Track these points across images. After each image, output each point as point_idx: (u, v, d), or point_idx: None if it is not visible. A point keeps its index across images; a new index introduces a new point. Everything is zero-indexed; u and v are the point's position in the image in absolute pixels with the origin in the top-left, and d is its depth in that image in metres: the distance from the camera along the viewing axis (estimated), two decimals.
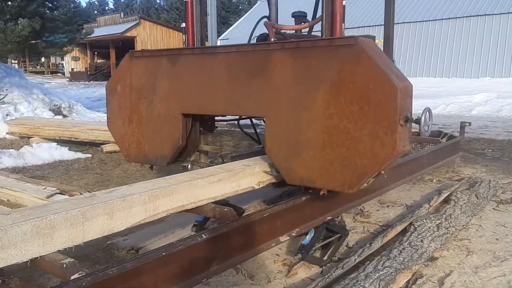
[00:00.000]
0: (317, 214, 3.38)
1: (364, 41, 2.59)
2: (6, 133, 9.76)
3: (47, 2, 11.07)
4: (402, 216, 4.68)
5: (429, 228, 3.95)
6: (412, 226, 4.02)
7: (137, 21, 36.88)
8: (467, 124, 6.50)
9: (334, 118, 2.70)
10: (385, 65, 2.54)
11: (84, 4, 58.98)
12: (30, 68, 42.93)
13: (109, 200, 2.33)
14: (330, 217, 3.51)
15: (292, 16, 3.98)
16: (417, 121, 2.60)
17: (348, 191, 2.70)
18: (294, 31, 3.72)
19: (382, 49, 3.74)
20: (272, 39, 3.38)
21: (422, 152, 5.74)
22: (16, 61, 42.13)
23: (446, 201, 4.92)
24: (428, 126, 2.69)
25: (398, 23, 27.40)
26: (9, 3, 9.32)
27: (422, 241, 3.66)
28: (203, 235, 2.49)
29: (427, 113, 2.63)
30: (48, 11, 10.73)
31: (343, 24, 3.05)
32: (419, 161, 5.40)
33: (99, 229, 2.26)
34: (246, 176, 3.19)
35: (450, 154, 6.19)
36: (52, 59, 44.26)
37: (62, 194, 5.19)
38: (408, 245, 3.56)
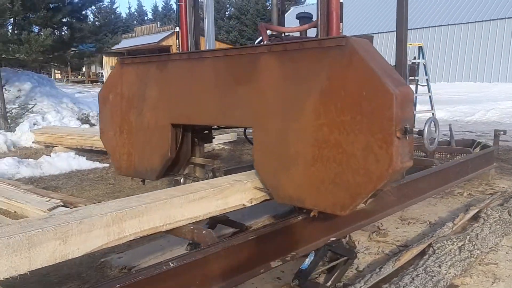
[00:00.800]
0: (319, 234, 3.03)
1: (356, 41, 2.24)
2: (32, 142, 9.86)
3: (75, 13, 11.17)
4: (423, 235, 4.26)
5: (450, 250, 3.53)
6: (431, 248, 3.61)
7: (173, 30, 37.34)
8: (502, 132, 5.96)
9: (324, 130, 2.36)
10: (380, 68, 2.19)
11: (124, 15, 60.42)
12: (72, 77, 44.22)
13: (63, 223, 2.08)
14: (334, 238, 3.15)
15: (297, 18, 3.66)
16: (420, 133, 2.22)
17: (340, 213, 2.35)
18: (292, 34, 3.40)
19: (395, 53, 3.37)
20: (265, 42, 3.08)
21: (450, 163, 5.26)
22: (59, 71, 43.54)
23: (475, 218, 4.46)
24: (435, 139, 2.31)
25: (436, 26, 26.50)
26: (35, 14, 9.43)
27: (440, 266, 3.25)
28: (170, 263, 2.20)
29: (432, 123, 2.25)
30: (75, 21, 10.81)
31: (340, 23, 2.71)
32: (446, 173, 4.94)
33: (49, 256, 2.01)
34: (235, 193, 2.89)
35: (482, 166, 5.67)
36: (93, 69, 45.49)
37: (65, 206, 5.04)
38: (423, 271, 3.16)
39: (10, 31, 9.50)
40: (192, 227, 2.63)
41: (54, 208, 4.95)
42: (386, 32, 26.37)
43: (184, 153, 3.38)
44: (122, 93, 3.49)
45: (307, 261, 2.97)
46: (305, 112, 2.45)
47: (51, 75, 35.55)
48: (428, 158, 5.12)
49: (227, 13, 53.12)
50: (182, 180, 3.43)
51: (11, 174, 6.86)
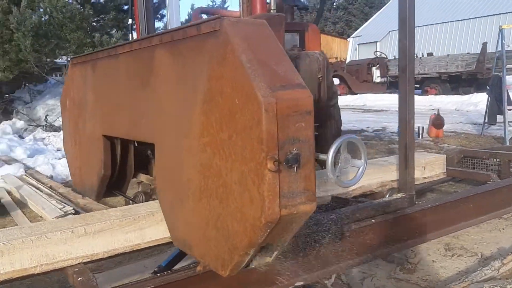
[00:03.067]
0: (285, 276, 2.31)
1: (233, 24, 1.52)
2: None
3: None
4: (464, 273, 3.25)
5: None
6: None
7: None
8: None
9: (208, 151, 1.67)
10: (260, 63, 1.44)
11: None
12: None
13: None
14: (301, 283, 2.40)
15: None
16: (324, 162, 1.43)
17: (221, 273, 1.64)
18: None
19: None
20: None
21: None
22: None
23: None
24: (359, 169, 1.49)
25: None
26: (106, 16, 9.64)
27: None
28: None
29: (342, 145, 1.44)
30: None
31: None
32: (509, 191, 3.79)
33: None
34: (156, 223, 2.30)
35: None
36: None
37: (77, 213, 4.83)
38: None
39: (84, 34, 9.81)
40: (76, 270, 2.10)
41: (62, 215, 4.79)
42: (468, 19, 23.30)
43: (129, 169, 2.86)
44: (73, 98, 3.08)
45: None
46: (193, 126, 1.77)
47: None
48: (481, 172, 3.98)
49: (334, 3, 51.54)
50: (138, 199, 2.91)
51: None
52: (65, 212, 4.96)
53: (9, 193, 6.08)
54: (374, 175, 3.25)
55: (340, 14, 48.18)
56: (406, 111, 2.62)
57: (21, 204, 5.56)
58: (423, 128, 8.65)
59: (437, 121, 8.57)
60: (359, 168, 1.53)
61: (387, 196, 2.79)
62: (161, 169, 2.06)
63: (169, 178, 1.99)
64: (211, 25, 1.58)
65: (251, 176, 1.43)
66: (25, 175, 6.66)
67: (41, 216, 4.95)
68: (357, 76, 17.59)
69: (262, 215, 1.40)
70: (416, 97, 12.35)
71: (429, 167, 3.56)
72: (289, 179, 1.42)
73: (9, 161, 7.81)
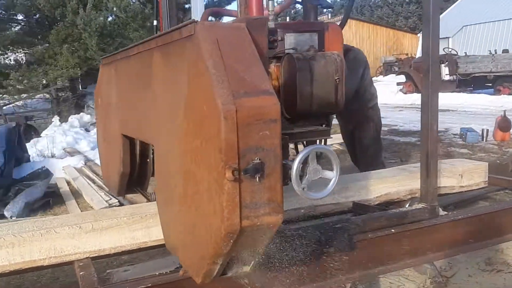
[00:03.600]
0: None
1: (206, 27, 1.49)
2: None
3: None
4: None
5: None
6: None
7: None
8: None
9: (188, 157, 1.66)
10: (227, 69, 1.40)
11: (300, 8, 61.40)
12: None
13: None
14: None
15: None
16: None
17: (196, 279, 1.62)
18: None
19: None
20: None
21: None
22: None
23: None
24: (330, 181, 1.40)
25: None
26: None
27: None
28: None
29: (311, 155, 1.36)
30: None
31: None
32: None
33: None
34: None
35: None
36: None
37: (121, 205, 5.02)
38: None
39: (146, 33, 10.19)
40: (80, 264, 2.18)
41: (107, 207, 4.99)
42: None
43: (148, 167, 2.92)
44: (102, 97, 3.20)
45: None
46: (178, 131, 1.77)
47: None
48: None
49: None
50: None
51: None
52: (110, 204, 5.20)
53: (68, 183, 6.47)
54: (403, 181, 3.08)
55: (412, 8, 46.27)
56: (428, 115, 2.44)
57: (76, 195, 5.90)
58: (487, 130, 8.10)
59: (504, 124, 7.96)
60: (330, 180, 1.45)
61: (407, 206, 2.63)
62: (157, 172, 2.08)
63: (163, 181, 2.00)
64: (188, 29, 1.56)
65: (215, 185, 1.40)
66: (84, 166, 7.04)
67: (91, 207, 5.22)
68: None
69: (222, 226, 1.36)
70: (487, 97, 11.74)
71: (467, 175, 3.32)
72: (252, 189, 1.37)
73: (73, 152, 8.30)
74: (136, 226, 2.33)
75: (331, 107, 2.62)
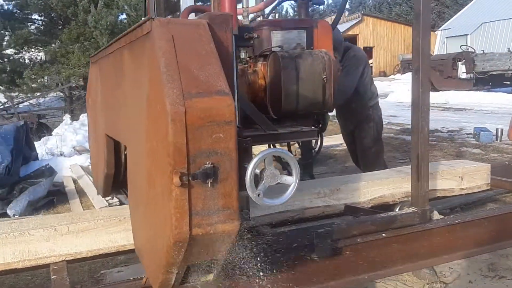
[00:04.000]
0: None
1: (163, 25, 1.41)
2: None
3: None
4: None
5: None
6: None
7: (360, 18, 35.93)
8: None
9: (149, 159, 1.59)
10: (182, 68, 1.33)
11: (321, 7, 61.06)
12: None
13: None
14: None
15: None
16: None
17: None
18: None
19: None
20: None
21: None
22: None
23: None
24: (289, 187, 1.31)
25: None
26: None
27: None
28: None
29: (267, 159, 1.28)
30: None
31: None
32: None
33: None
34: None
35: None
36: None
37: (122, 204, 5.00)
38: None
39: None
40: (54, 267, 2.14)
41: (104, 206, 4.99)
42: None
43: None
44: (90, 96, 3.16)
45: None
46: (143, 131, 1.70)
47: None
48: None
49: None
50: None
51: None
52: (109, 204, 5.19)
53: (75, 182, 6.49)
54: (399, 184, 2.96)
55: (431, 6, 45.45)
56: (419, 117, 2.33)
57: (81, 193, 5.91)
58: (502, 130, 7.87)
59: None
60: (289, 186, 1.36)
61: (396, 210, 2.51)
62: (128, 173, 2.02)
63: (132, 184, 1.94)
64: (147, 26, 1.49)
65: (165, 191, 1.32)
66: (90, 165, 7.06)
67: (94, 206, 5.23)
68: (440, 72, 16.44)
69: (170, 234, 1.29)
70: (505, 95, 11.42)
71: (467, 177, 3.18)
72: (204, 195, 1.29)
73: (82, 151, 8.33)
74: (114, 229, 2.28)
75: (318, 107, 2.52)
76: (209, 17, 1.52)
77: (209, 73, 1.34)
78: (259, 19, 2.82)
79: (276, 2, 2.94)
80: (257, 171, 1.37)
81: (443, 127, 9.89)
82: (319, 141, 3.41)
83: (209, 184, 1.27)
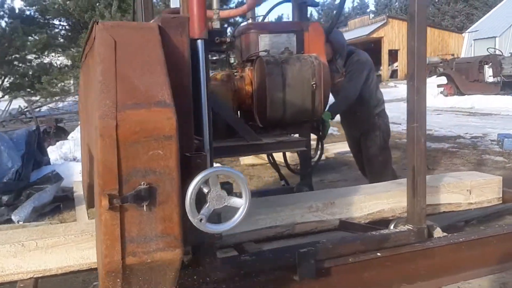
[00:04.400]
0: None
1: (106, 29, 1.28)
2: None
3: None
4: None
5: None
6: None
7: (385, 20, 35.30)
8: None
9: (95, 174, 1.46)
10: (120, 77, 1.19)
11: (346, 9, 60.41)
12: None
13: None
14: None
15: None
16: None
17: None
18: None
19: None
20: None
21: None
22: None
23: None
24: (238, 210, 1.15)
25: None
26: None
27: None
28: None
29: (211, 179, 1.13)
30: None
31: None
32: None
33: None
34: None
35: None
36: None
37: None
38: None
39: None
40: (21, 285, 2.03)
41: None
42: None
43: None
44: (81, 102, 3.07)
45: None
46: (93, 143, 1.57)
47: None
48: None
49: None
50: None
51: None
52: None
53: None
54: (399, 198, 2.75)
55: (460, 7, 44.49)
56: (414, 127, 2.14)
57: None
58: None
59: None
60: (239, 209, 1.20)
61: (391, 227, 2.32)
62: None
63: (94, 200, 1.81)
64: (94, 30, 1.36)
65: (97, 214, 1.19)
66: None
67: None
68: (466, 75, 15.92)
69: (102, 263, 1.15)
70: None
71: (477, 190, 2.95)
72: (140, 220, 1.14)
73: None
74: (86, 245, 2.15)
75: (307, 115, 2.35)
76: (162, 20, 1.37)
77: (150, 82, 1.20)
78: (249, 21, 2.67)
79: (272, 6, 2.79)
80: (205, 191, 1.21)
81: (466, 133, 9.53)
82: (319, 149, 3.23)
83: (145, 207, 1.12)
